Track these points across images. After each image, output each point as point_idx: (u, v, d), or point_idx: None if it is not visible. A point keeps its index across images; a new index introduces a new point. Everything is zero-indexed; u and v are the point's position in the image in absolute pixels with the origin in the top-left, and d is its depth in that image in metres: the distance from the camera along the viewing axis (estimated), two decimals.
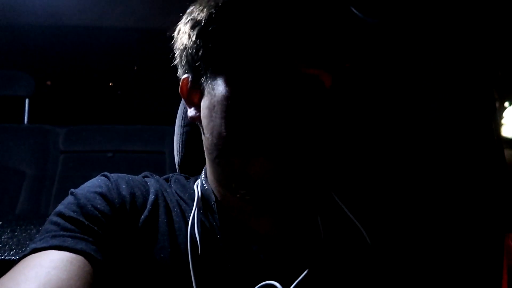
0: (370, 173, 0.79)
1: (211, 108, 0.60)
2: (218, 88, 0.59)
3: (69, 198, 0.61)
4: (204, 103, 0.62)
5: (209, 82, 0.61)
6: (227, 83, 0.59)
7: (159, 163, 2.19)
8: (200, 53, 0.62)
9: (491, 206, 0.79)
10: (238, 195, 0.61)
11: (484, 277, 0.77)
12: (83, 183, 0.65)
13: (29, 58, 2.64)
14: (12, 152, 2.15)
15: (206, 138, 0.63)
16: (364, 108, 0.79)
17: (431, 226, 0.73)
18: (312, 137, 0.56)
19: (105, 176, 0.65)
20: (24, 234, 0.97)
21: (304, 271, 0.59)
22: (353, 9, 0.67)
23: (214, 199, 0.64)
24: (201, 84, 0.63)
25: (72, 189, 0.62)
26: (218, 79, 0.60)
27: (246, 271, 0.60)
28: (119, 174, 0.66)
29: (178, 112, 0.77)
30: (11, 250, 0.87)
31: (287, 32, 0.57)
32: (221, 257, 0.60)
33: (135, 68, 3.03)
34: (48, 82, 3.03)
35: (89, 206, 0.58)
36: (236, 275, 0.59)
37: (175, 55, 0.67)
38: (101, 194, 0.60)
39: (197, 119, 0.65)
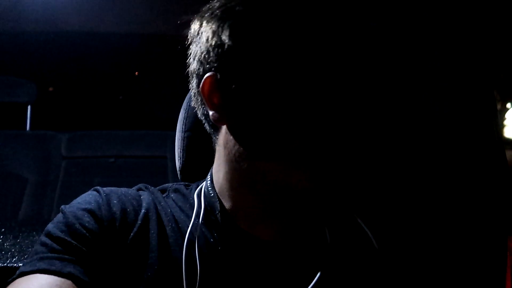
0: (376, 176, 0.79)
1: (243, 112, 0.56)
2: (253, 93, 0.55)
3: (59, 216, 0.60)
4: (233, 105, 0.57)
5: (242, 84, 0.56)
6: (268, 91, 0.54)
7: (161, 168, 2.19)
8: (232, 51, 0.56)
9: (493, 208, 0.79)
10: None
11: (488, 279, 0.76)
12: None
13: (31, 65, 2.65)
14: (14, 158, 2.15)
15: (229, 140, 0.59)
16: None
17: (434, 229, 0.73)
18: (351, 158, 0.57)
19: (97, 191, 0.63)
20: (26, 241, 0.97)
21: (314, 277, 0.58)
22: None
23: (219, 209, 0.62)
24: (229, 84, 0.57)
25: (62, 206, 0.61)
26: (255, 83, 0.55)
27: (252, 283, 0.58)
28: (112, 189, 0.64)
29: (179, 117, 0.76)
30: (14, 257, 0.86)
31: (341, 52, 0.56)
32: (222, 271, 0.58)
33: (136, 73, 3.03)
34: (50, 89, 3.04)
35: (77, 225, 0.57)
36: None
37: (192, 50, 0.61)
38: (90, 212, 0.59)
39: (220, 122, 0.60)
